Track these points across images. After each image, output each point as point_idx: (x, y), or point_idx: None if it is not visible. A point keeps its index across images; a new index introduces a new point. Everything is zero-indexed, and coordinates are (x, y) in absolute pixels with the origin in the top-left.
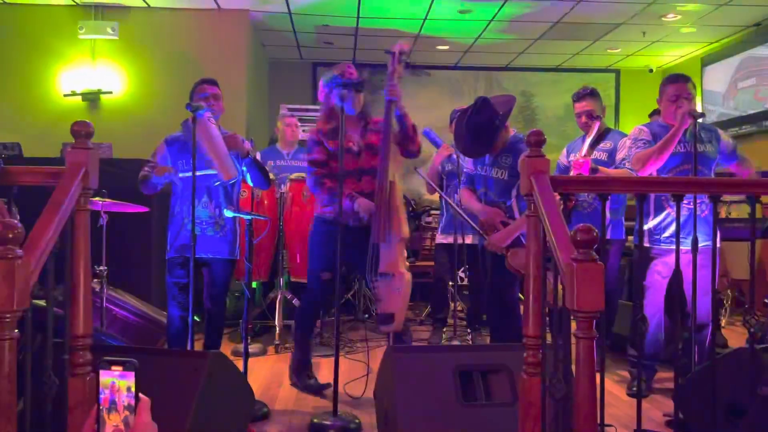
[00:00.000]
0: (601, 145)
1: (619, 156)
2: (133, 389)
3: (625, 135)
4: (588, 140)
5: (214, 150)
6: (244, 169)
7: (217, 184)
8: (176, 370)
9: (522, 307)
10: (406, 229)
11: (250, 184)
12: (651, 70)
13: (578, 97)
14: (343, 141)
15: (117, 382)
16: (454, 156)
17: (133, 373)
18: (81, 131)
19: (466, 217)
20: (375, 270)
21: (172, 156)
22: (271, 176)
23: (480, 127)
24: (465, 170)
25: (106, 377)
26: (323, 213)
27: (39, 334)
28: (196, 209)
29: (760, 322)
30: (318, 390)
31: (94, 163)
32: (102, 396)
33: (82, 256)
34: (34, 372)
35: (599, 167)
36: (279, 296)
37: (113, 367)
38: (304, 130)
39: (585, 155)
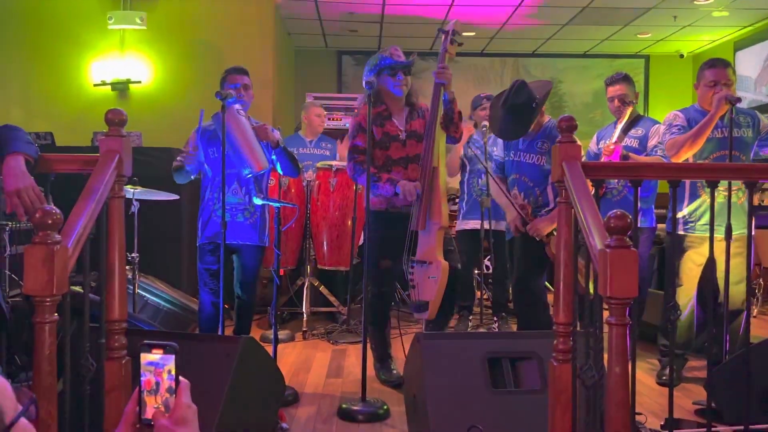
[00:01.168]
0: (633, 131)
1: (651, 143)
2: (173, 372)
3: (658, 122)
4: (619, 126)
5: (245, 141)
6: (274, 158)
7: (248, 175)
8: (208, 355)
9: (549, 296)
10: (446, 217)
11: (280, 172)
12: (682, 56)
13: (611, 81)
14: (370, 127)
15: (158, 365)
16: (478, 139)
17: (173, 356)
18: (115, 119)
19: (510, 198)
20: (411, 256)
21: (203, 145)
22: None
23: (518, 109)
24: (494, 157)
25: (147, 360)
26: (373, 206)
27: (75, 318)
28: (226, 196)
29: None
30: (398, 385)
31: (127, 150)
32: (143, 378)
33: (117, 242)
34: (73, 355)
35: (630, 154)
36: (306, 283)
37: (154, 351)
38: (330, 119)
39: (616, 142)
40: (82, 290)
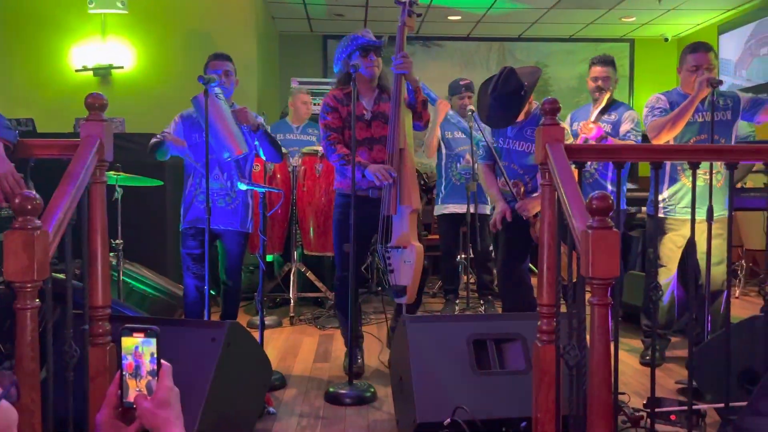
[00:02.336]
0: (606, 116)
1: (624, 128)
2: (155, 355)
3: (631, 108)
4: (596, 110)
5: (222, 124)
6: (257, 143)
7: (228, 159)
8: (194, 340)
9: (533, 279)
10: (417, 200)
11: (263, 157)
12: (666, 39)
13: (598, 61)
14: (355, 107)
15: (139, 348)
16: (455, 116)
17: (154, 340)
18: (95, 104)
19: (507, 178)
20: (386, 242)
21: (186, 131)
22: (284, 150)
23: (507, 97)
24: (483, 143)
25: (128, 344)
26: (341, 187)
27: (59, 305)
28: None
29: None
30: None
31: (108, 135)
32: (125, 362)
33: (99, 227)
34: (56, 342)
35: (609, 136)
36: (293, 269)
37: (135, 334)
38: (315, 104)
39: (594, 121)
40: (64, 277)
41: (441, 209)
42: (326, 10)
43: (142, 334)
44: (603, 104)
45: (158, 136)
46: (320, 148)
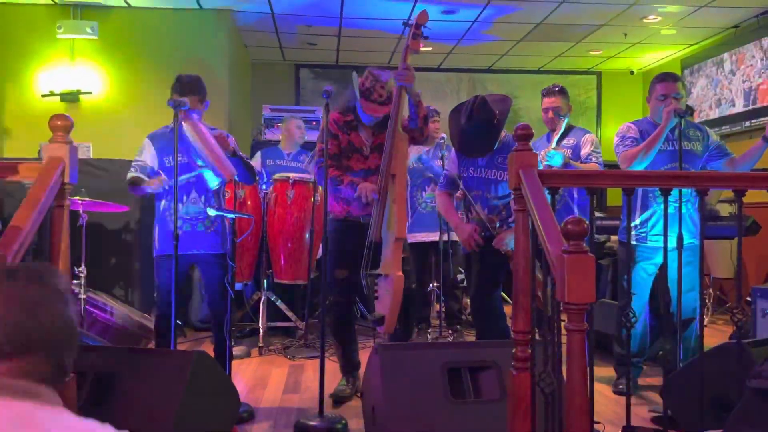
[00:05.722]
0: (565, 141)
1: (585, 151)
2: None
3: (588, 131)
4: (555, 138)
5: (211, 152)
6: None
7: (216, 187)
8: (160, 370)
9: (507, 308)
10: (403, 229)
11: (236, 179)
12: (632, 72)
13: (547, 92)
14: (326, 148)
15: None
16: (424, 156)
17: None
18: (60, 125)
19: (481, 212)
20: (370, 268)
21: (159, 153)
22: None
23: (482, 127)
24: (445, 172)
25: None
26: (334, 212)
27: None
28: (184, 206)
29: (745, 317)
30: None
31: (73, 157)
32: None
33: (61, 252)
34: None
35: (571, 161)
36: (263, 298)
37: None
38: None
39: (555, 147)
40: None
41: (409, 238)
42: (299, 39)
43: None
44: (562, 130)
45: (133, 169)
46: (292, 175)
